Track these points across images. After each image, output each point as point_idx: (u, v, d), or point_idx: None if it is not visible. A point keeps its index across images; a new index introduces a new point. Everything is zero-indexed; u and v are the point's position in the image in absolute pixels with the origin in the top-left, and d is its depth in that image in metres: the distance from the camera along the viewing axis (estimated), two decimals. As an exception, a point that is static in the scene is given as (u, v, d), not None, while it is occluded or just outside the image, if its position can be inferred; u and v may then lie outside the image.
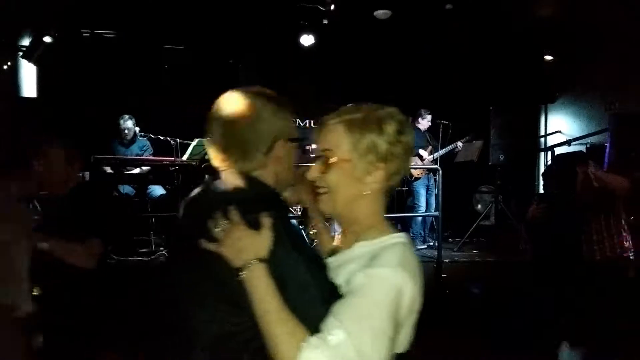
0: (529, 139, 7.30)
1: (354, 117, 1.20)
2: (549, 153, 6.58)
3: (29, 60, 6.13)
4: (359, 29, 6.74)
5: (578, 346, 3.40)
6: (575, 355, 3.42)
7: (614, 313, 3.21)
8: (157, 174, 5.79)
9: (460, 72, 7.02)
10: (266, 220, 1.12)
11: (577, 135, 6.29)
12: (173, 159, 5.57)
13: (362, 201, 1.22)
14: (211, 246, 1.13)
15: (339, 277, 1.17)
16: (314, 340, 1.05)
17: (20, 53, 6.14)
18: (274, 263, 1.10)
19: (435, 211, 6.18)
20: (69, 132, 6.16)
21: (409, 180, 6.45)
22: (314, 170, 1.23)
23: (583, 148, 6.07)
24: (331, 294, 1.12)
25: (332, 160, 1.19)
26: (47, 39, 5.92)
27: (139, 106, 6.14)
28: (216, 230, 1.14)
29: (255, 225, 1.12)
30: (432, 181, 6.44)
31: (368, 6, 6.17)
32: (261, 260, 1.09)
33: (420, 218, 6.51)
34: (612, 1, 5.57)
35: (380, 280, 1.11)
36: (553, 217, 3.46)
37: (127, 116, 5.97)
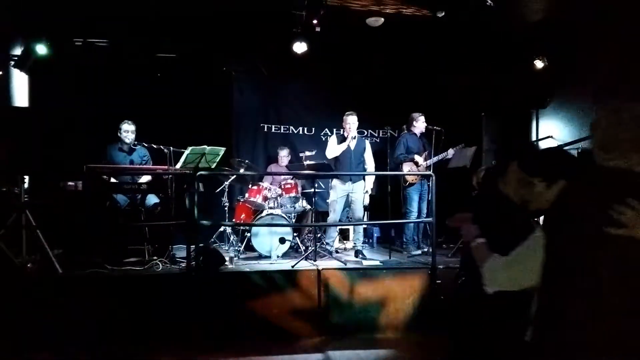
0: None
1: None
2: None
3: (21, 69, 6.11)
4: (351, 36, 6.78)
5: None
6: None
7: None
8: (151, 182, 5.77)
9: (452, 78, 7.08)
10: None
11: (569, 140, 6.34)
12: (166, 167, 5.56)
13: None
14: (622, 231, 1.29)
15: None
16: None
17: (12, 62, 6.12)
18: None
19: (428, 217, 6.20)
20: (62, 141, 6.16)
21: (403, 186, 6.47)
22: None
23: (575, 153, 6.12)
24: None
25: None
26: (39, 48, 5.91)
27: (131, 115, 6.12)
28: (625, 216, 1.30)
29: None
30: (426, 187, 6.46)
31: (360, 13, 6.21)
32: None
33: (413, 224, 6.53)
34: (604, 6, 5.63)
35: None
36: None
37: (129, 121, 5.97)
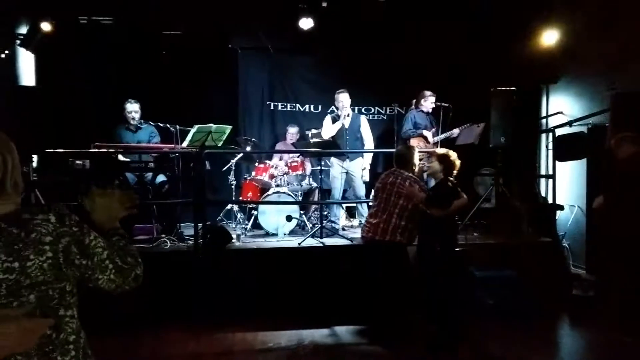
0: (530, 121, 7.27)
1: None
2: (550, 134, 6.54)
3: (27, 48, 6.10)
4: (358, 10, 6.68)
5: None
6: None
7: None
8: (158, 160, 5.79)
9: (460, 54, 6.95)
10: None
11: (579, 116, 6.25)
12: (173, 145, 5.57)
13: None
14: None
15: None
16: None
17: (18, 41, 6.11)
18: None
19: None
20: (69, 120, 6.18)
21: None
22: None
23: (584, 129, 6.04)
24: None
25: None
26: (44, 27, 5.88)
27: (138, 93, 6.11)
28: None
29: None
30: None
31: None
32: None
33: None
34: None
35: None
36: None
37: (132, 100, 5.98)
